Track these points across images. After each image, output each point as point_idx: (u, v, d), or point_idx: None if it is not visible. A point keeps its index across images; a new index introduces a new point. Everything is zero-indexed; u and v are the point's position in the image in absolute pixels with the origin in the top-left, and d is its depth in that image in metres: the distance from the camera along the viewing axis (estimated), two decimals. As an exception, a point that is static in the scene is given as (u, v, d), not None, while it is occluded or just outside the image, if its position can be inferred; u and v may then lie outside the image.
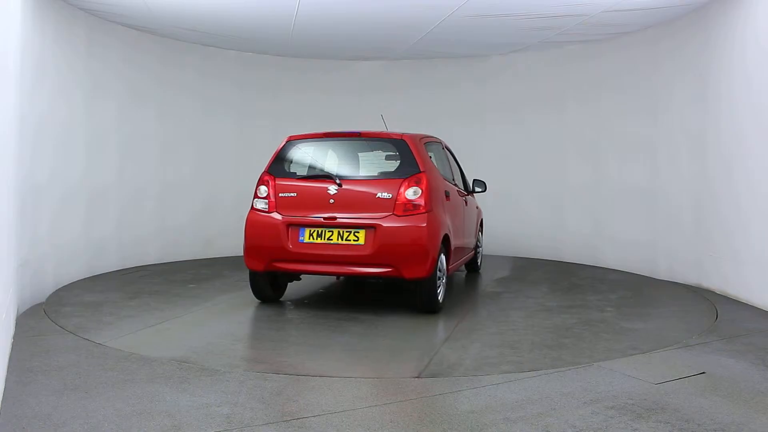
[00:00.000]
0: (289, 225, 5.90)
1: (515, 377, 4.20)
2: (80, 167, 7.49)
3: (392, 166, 6.12)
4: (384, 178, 5.96)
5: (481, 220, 8.60)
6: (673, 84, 7.81)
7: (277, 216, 5.96)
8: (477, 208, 8.24)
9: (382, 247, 5.64)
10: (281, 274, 6.26)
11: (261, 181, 6.17)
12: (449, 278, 6.44)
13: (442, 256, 6.02)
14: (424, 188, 5.77)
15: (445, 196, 6.27)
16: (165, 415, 3.52)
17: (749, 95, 6.50)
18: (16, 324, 5.37)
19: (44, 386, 3.95)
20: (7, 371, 4.14)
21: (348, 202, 5.84)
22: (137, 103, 8.48)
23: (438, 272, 5.87)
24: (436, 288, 5.85)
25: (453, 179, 7.08)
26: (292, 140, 6.43)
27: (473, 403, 3.75)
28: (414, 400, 3.79)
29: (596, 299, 6.82)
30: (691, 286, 7.42)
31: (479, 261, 8.55)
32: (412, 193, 5.75)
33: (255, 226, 6.04)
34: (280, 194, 6.04)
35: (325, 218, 5.82)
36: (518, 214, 9.86)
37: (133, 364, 4.42)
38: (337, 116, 9.69)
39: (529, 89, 9.73)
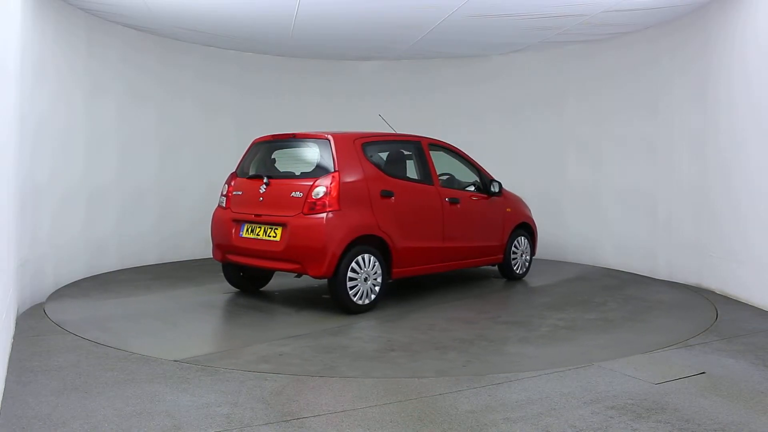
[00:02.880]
0: (234, 220, 6.41)
1: (515, 377, 4.20)
2: (80, 167, 7.49)
3: (312, 165, 6.21)
4: (302, 177, 6.16)
5: (523, 223, 7.98)
6: (673, 84, 7.80)
7: (228, 212, 6.52)
8: (508, 210, 7.74)
9: (290, 244, 5.87)
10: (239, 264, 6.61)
11: (226, 180, 6.78)
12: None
13: (369, 258, 6.02)
14: (331, 187, 5.83)
15: (380, 196, 6.17)
16: (165, 415, 3.52)
17: (749, 95, 6.50)
18: (16, 324, 5.37)
19: (44, 386, 3.95)
20: (7, 371, 4.14)
21: (272, 200, 6.15)
22: (137, 103, 8.48)
23: (354, 273, 5.90)
24: (345, 288, 5.85)
25: (426, 179, 6.80)
26: (256, 142, 6.83)
27: (473, 403, 3.75)
28: (414, 400, 3.79)
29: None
30: (691, 286, 7.42)
31: (517, 267, 7.92)
32: (318, 192, 5.87)
33: (214, 221, 6.71)
34: (233, 192, 6.58)
35: (255, 215, 6.22)
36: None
37: (133, 364, 4.42)
38: (337, 116, 9.70)
39: (530, 89, 9.72)
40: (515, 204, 7.97)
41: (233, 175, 6.74)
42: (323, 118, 9.57)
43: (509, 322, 5.82)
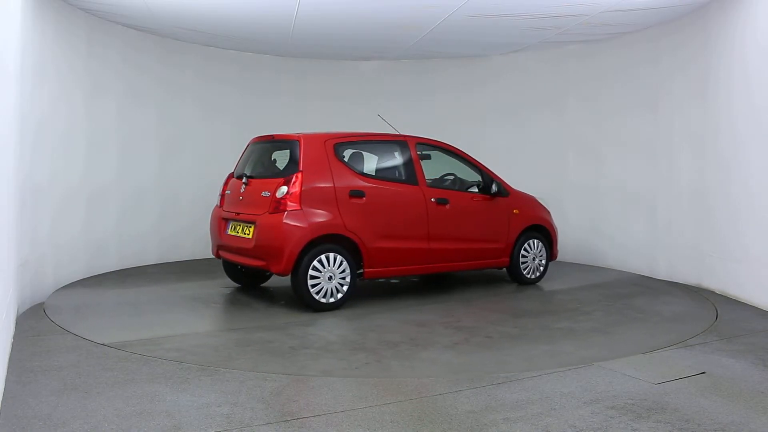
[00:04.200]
0: (223, 218, 6.72)
1: (515, 377, 4.20)
2: (80, 167, 7.49)
3: (283, 165, 6.41)
4: (273, 177, 6.37)
5: (536, 225, 7.66)
6: (673, 83, 7.80)
7: (221, 210, 6.86)
8: (515, 212, 7.43)
9: (257, 241, 6.11)
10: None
11: (225, 179, 7.09)
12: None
13: (335, 257, 6.10)
14: (293, 187, 6.02)
15: (349, 196, 6.22)
16: (165, 415, 3.52)
17: (748, 95, 6.50)
18: (16, 324, 5.37)
19: (44, 386, 3.95)
20: (7, 371, 4.14)
21: (249, 199, 6.42)
22: (137, 103, 8.48)
23: (316, 271, 6.00)
24: (306, 286, 5.97)
25: (410, 179, 6.74)
26: (250, 143, 7.07)
27: (473, 403, 3.75)
28: (414, 400, 3.79)
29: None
30: (691, 286, 7.42)
31: (529, 271, 7.56)
32: (281, 192, 6.07)
33: (211, 219, 7.03)
34: (226, 191, 6.91)
35: (236, 213, 6.52)
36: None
37: (133, 364, 4.42)
38: (337, 116, 9.69)
39: (529, 89, 9.72)
40: (526, 205, 7.65)
41: (230, 175, 7.00)
42: (323, 118, 9.57)
43: (462, 327, 5.57)
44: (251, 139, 7.12)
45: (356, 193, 6.30)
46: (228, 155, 8.75)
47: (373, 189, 6.44)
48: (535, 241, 7.63)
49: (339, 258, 6.13)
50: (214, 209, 7.05)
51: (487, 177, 7.33)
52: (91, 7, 7.33)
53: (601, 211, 8.96)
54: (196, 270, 8.40)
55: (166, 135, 8.91)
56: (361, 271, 6.35)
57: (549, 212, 7.97)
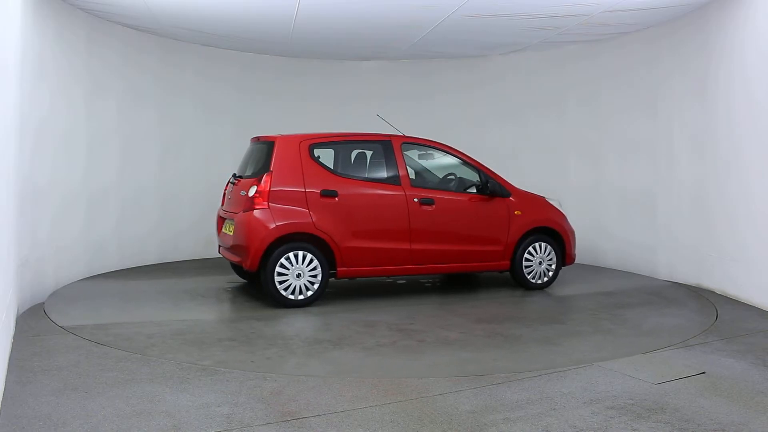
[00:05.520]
0: (221, 217, 7.05)
1: (515, 377, 4.20)
2: (80, 167, 7.48)
3: (261, 165, 6.62)
4: (251, 177, 6.63)
5: (544, 228, 7.30)
6: (673, 83, 7.80)
7: (220, 210, 7.20)
8: (517, 213, 7.10)
9: (234, 239, 6.47)
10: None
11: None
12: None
13: (305, 255, 6.25)
14: (261, 187, 6.27)
15: (320, 196, 6.36)
16: (165, 415, 3.52)
17: (748, 95, 6.50)
18: (16, 324, 5.37)
19: (44, 386, 3.95)
20: (7, 371, 4.14)
21: (235, 198, 6.75)
22: (137, 103, 8.47)
23: (284, 269, 6.17)
24: (273, 282, 6.16)
25: (392, 179, 6.71)
26: (250, 142, 7.27)
27: (473, 403, 3.75)
28: (414, 400, 3.79)
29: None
30: (691, 286, 7.42)
31: (534, 276, 7.21)
32: (251, 191, 6.34)
33: (217, 219, 7.26)
34: (225, 191, 7.20)
35: (227, 212, 6.85)
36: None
37: (133, 364, 4.42)
38: (337, 116, 9.69)
39: (530, 89, 9.72)
40: (531, 206, 7.31)
41: (233, 175, 7.17)
42: (323, 117, 9.57)
43: (405, 330, 5.46)
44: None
45: (328, 193, 6.41)
46: (228, 155, 8.76)
47: (347, 189, 6.53)
48: (543, 244, 7.25)
49: (309, 256, 6.27)
50: (218, 209, 7.35)
51: (484, 176, 7.11)
52: (91, 7, 7.33)
53: (601, 211, 8.96)
54: (199, 268, 8.40)
55: (166, 135, 8.90)
56: (335, 270, 6.45)
57: (562, 215, 7.54)
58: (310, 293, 6.29)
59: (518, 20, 7.68)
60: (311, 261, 6.27)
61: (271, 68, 9.93)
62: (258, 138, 7.01)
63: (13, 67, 4.99)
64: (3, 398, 3.70)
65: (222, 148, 9.24)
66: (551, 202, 7.63)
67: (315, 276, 6.29)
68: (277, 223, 6.19)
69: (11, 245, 4.82)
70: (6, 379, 4.00)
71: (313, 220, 6.30)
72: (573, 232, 7.55)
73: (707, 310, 6.24)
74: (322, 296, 6.42)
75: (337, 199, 6.42)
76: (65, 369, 4.28)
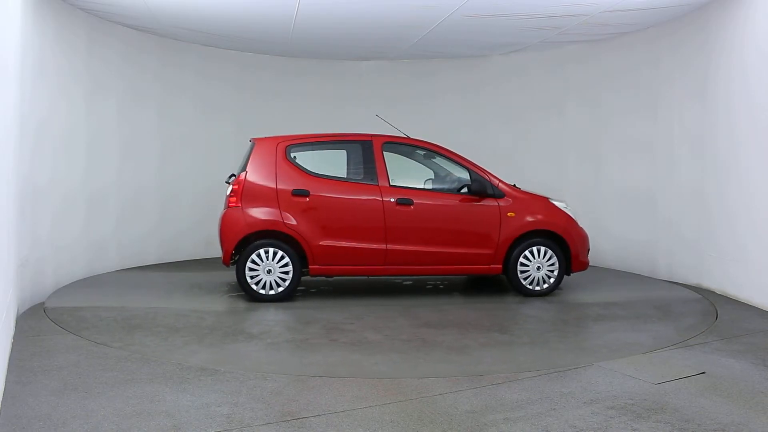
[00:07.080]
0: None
1: (515, 377, 4.20)
2: (80, 167, 7.48)
3: (244, 166, 6.85)
4: (236, 177, 6.87)
5: (545, 231, 6.92)
6: (673, 83, 7.80)
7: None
8: (509, 215, 6.76)
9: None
10: None
11: None
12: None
13: (275, 252, 6.50)
14: (235, 187, 6.64)
15: (292, 195, 6.58)
16: (165, 415, 3.52)
17: (747, 95, 6.50)
18: (16, 324, 5.37)
19: (44, 386, 3.95)
20: (7, 371, 4.14)
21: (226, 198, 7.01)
22: (137, 103, 8.48)
23: (255, 264, 6.47)
24: (244, 277, 6.49)
25: (369, 178, 6.73)
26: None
27: (473, 403, 3.75)
28: (414, 400, 3.79)
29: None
30: (691, 286, 7.42)
31: (531, 281, 6.84)
32: (228, 191, 6.77)
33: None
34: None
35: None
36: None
37: (133, 364, 4.42)
38: (336, 116, 9.70)
39: (529, 89, 9.72)
40: (529, 208, 6.91)
41: (230, 175, 7.25)
42: (323, 117, 9.57)
43: (345, 330, 5.42)
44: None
45: (300, 192, 6.61)
46: (228, 155, 8.75)
47: (319, 189, 6.68)
48: (542, 248, 6.86)
49: (280, 253, 6.52)
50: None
51: (475, 176, 6.83)
52: (91, 7, 7.33)
53: (601, 211, 8.96)
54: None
55: (166, 135, 8.90)
56: (307, 268, 6.65)
57: (568, 217, 7.06)
58: (281, 289, 6.53)
59: (518, 20, 7.68)
60: (282, 258, 6.52)
61: (271, 68, 9.93)
62: (251, 139, 7.19)
63: (13, 67, 4.99)
64: (3, 398, 3.70)
65: (222, 148, 9.23)
66: (556, 203, 7.14)
67: (287, 273, 6.52)
68: (249, 222, 6.52)
69: (11, 245, 4.82)
70: (6, 379, 4.00)
71: (283, 218, 6.52)
72: (583, 237, 7.10)
73: (707, 310, 6.22)
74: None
75: (308, 198, 6.61)
76: (65, 369, 4.28)
